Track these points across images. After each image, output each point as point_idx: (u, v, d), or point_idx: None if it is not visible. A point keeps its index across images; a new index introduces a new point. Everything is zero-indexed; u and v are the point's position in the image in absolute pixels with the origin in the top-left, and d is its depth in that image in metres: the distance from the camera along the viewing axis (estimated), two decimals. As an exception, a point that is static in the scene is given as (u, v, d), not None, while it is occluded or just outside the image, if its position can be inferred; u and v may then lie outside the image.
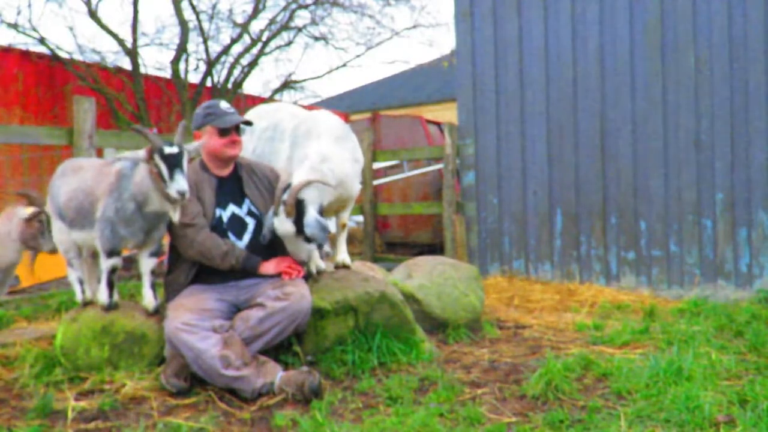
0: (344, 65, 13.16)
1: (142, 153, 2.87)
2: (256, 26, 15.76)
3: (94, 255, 3.27)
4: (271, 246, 3.26)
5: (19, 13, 12.64)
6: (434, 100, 17.03)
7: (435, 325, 3.94)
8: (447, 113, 13.56)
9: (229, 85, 11.17)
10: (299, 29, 11.94)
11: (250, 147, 3.66)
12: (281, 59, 18.13)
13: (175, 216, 2.94)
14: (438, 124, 9.57)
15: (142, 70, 10.32)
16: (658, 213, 5.50)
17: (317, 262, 3.50)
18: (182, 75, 10.56)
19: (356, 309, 3.32)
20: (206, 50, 10.95)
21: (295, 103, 11.78)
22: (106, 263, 3.07)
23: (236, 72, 11.30)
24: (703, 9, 5.32)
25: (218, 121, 3.19)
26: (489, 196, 6.13)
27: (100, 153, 4.85)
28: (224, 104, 3.29)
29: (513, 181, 6.03)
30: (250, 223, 3.27)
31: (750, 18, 5.18)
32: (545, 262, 5.90)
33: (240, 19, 11.49)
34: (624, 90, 5.61)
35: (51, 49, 9.51)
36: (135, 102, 9.99)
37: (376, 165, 7.18)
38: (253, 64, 11.49)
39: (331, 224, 3.61)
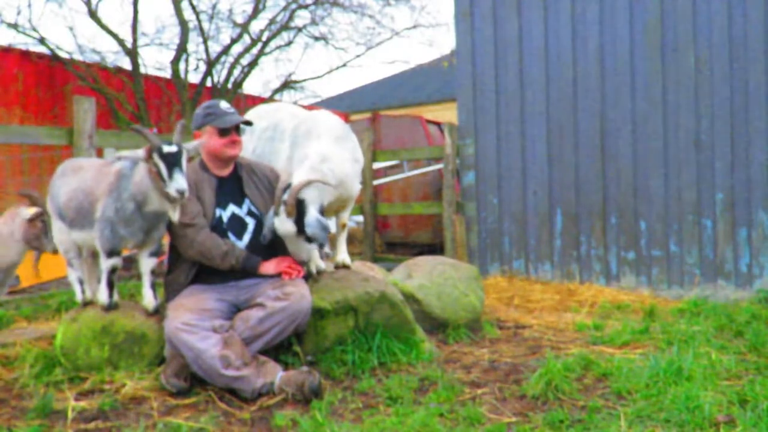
0: (344, 65, 13.17)
1: (141, 152, 2.87)
2: (256, 26, 15.78)
3: (94, 255, 3.27)
4: (271, 246, 3.26)
5: (19, 13, 12.67)
6: (434, 100, 17.03)
7: (435, 325, 3.94)
8: (447, 113, 13.56)
9: (229, 85, 11.17)
10: (299, 29, 11.94)
11: (250, 147, 3.66)
12: (281, 59, 18.17)
13: (174, 215, 2.94)
14: (438, 124, 9.57)
15: (142, 70, 10.33)
16: (658, 213, 5.50)
17: (317, 262, 3.50)
18: (182, 75, 10.56)
19: (356, 309, 3.32)
20: (206, 50, 10.96)
21: (295, 103, 11.78)
22: (105, 263, 3.07)
23: (236, 72, 11.31)
24: (703, 9, 5.32)
25: (218, 121, 3.19)
26: (489, 196, 6.13)
27: (100, 153, 4.85)
28: (224, 104, 3.29)
29: (513, 181, 6.03)
30: (250, 223, 3.27)
31: (750, 18, 5.18)
32: (545, 262, 5.91)
33: (240, 19, 11.51)
34: (624, 90, 5.61)
35: (51, 49, 9.51)
36: (135, 102, 10.00)
37: (376, 165, 7.17)
38: (253, 64, 11.50)
39: (331, 224, 3.61)
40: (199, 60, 11.39)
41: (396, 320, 3.43)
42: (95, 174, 3.11)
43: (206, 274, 3.19)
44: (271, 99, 11.81)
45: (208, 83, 10.99)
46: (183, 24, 10.44)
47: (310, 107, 8.18)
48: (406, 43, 46.20)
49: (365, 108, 16.56)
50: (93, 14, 10.02)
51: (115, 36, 10.15)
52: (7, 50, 8.87)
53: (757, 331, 3.86)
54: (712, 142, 5.33)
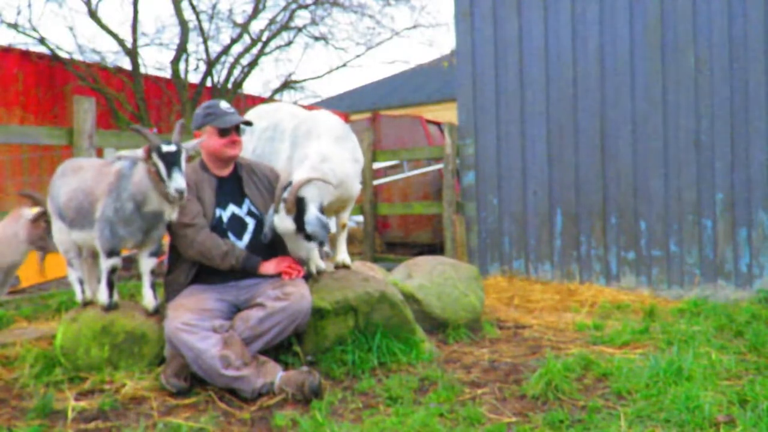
0: (344, 65, 13.15)
1: (140, 152, 2.87)
2: (256, 26, 15.78)
3: (94, 255, 3.27)
4: (271, 246, 3.26)
5: (19, 13, 12.64)
6: (434, 100, 17.02)
7: (435, 325, 3.94)
8: (447, 113, 13.56)
9: (229, 85, 11.17)
10: (299, 29, 11.94)
11: (250, 147, 3.66)
12: (281, 59, 18.15)
13: (172, 215, 2.94)
14: (438, 124, 9.57)
15: (142, 70, 10.32)
16: (658, 213, 5.50)
17: (317, 262, 3.50)
18: (182, 75, 10.56)
19: (356, 309, 3.32)
20: (206, 50, 10.95)
21: (295, 103, 11.78)
22: (105, 263, 3.07)
23: (236, 72, 11.31)
24: (703, 9, 5.32)
25: (218, 121, 3.19)
26: (489, 196, 6.13)
27: (100, 153, 4.85)
28: (224, 104, 3.29)
29: (513, 181, 6.03)
30: (250, 223, 3.27)
31: (750, 18, 5.18)
32: (545, 262, 5.91)
33: (240, 19, 11.50)
34: (624, 90, 5.61)
35: (51, 49, 9.51)
36: (135, 102, 10.00)
37: (376, 165, 7.17)
38: (253, 64, 11.49)
39: (331, 224, 3.61)
40: (199, 60, 11.39)
41: (396, 320, 3.43)
42: (95, 174, 3.11)
43: (206, 274, 3.19)
44: (271, 99, 11.81)
45: (208, 83, 10.99)
46: (183, 24, 10.44)
47: (310, 107, 8.18)
48: (406, 43, 46.24)
49: (365, 108, 16.55)
50: (93, 14, 10.02)
51: (115, 36, 10.15)
52: (7, 50, 8.86)
53: (757, 331, 3.86)
54: (712, 142, 5.33)
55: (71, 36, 23.85)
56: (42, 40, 9.52)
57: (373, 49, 13.43)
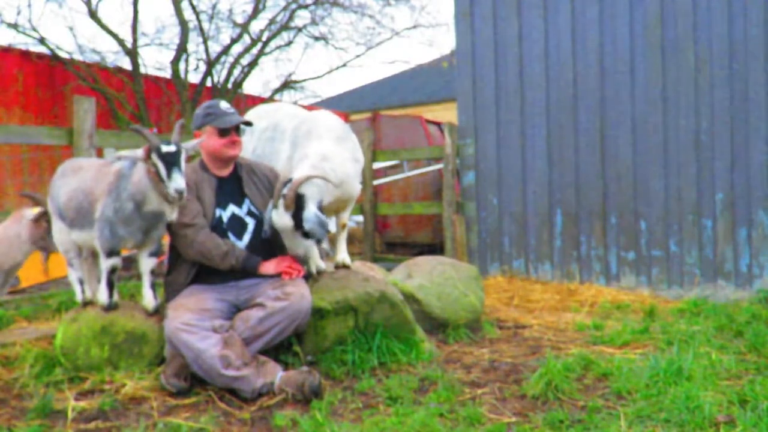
0: (344, 65, 13.15)
1: (140, 152, 2.87)
2: (256, 26, 15.75)
3: (94, 255, 3.27)
4: (271, 246, 3.26)
5: (19, 13, 12.63)
6: (434, 100, 17.03)
7: (435, 325, 3.94)
8: (447, 113, 13.56)
9: (229, 85, 11.17)
10: (299, 29, 11.94)
11: (250, 147, 3.66)
12: (281, 59, 18.13)
13: (172, 215, 2.94)
14: (438, 124, 9.57)
15: (142, 70, 10.32)
16: (658, 213, 5.50)
17: (317, 262, 3.50)
18: (182, 75, 10.56)
19: (356, 309, 3.32)
20: (206, 50, 10.95)
21: (295, 103, 11.78)
22: (105, 263, 3.07)
23: (236, 72, 11.31)
24: (703, 9, 5.32)
25: (218, 121, 3.19)
26: (489, 196, 6.13)
27: (100, 153, 4.85)
28: (224, 104, 3.29)
29: (513, 181, 6.03)
30: (250, 223, 3.27)
31: (750, 18, 5.18)
32: (545, 262, 5.91)
33: (240, 19, 11.50)
34: (624, 90, 5.61)
35: (51, 49, 9.51)
36: (135, 102, 10.00)
37: (376, 165, 7.17)
38: (253, 64, 11.49)
39: (331, 224, 3.61)
40: (199, 60, 11.39)
41: (396, 320, 3.43)
42: (95, 174, 3.11)
43: (206, 274, 3.19)
44: (271, 99, 11.81)
45: (208, 83, 10.99)
46: (183, 24, 10.44)
47: (310, 107, 8.18)
48: (406, 43, 46.22)
49: (365, 108, 16.55)
50: (93, 14, 10.02)
51: (115, 36, 10.15)
52: (7, 50, 8.86)
53: (757, 331, 3.86)
54: (712, 142, 5.33)
55: (71, 36, 23.84)
56: (42, 40, 9.52)
57: (373, 49, 13.44)
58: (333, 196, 3.31)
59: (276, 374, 2.92)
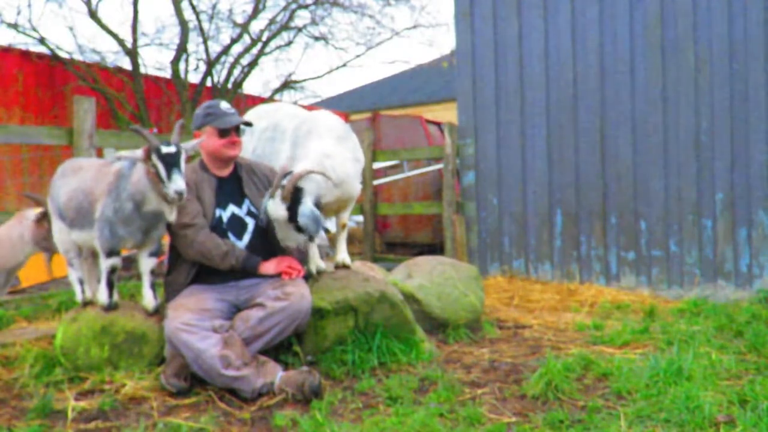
0: (344, 65, 13.14)
1: (139, 152, 2.87)
2: (256, 26, 15.77)
3: (94, 255, 3.27)
4: (271, 246, 3.26)
5: (19, 13, 12.63)
6: (434, 100, 17.03)
7: (435, 325, 3.94)
8: (447, 113, 13.56)
9: (229, 85, 11.17)
10: (299, 29, 11.94)
11: (250, 147, 3.65)
12: (281, 59, 18.13)
13: (171, 216, 2.94)
14: (438, 124, 9.57)
15: (142, 70, 10.32)
16: (658, 213, 5.50)
17: (317, 262, 3.50)
18: (182, 75, 10.56)
19: (356, 309, 3.32)
20: (206, 50, 10.95)
21: (295, 103, 11.78)
22: (105, 263, 3.07)
23: (236, 72, 11.31)
24: (703, 8, 5.32)
25: (218, 121, 3.19)
26: (489, 196, 6.13)
27: (100, 153, 4.85)
28: (224, 105, 3.29)
29: (513, 181, 6.03)
30: (250, 223, 3.27)
31: (750, 18, 5.18)
32: (545, 262, 5.91)
33: (240, 19, 11.50)
34: (624, 89, 5.61)
35: (51, 49, 9.51)
36: (135, 102, 10.00)
37: (376, 165, 7.17)
38: (253, 64, 11.49)
39: (331, 224, 3.61)
40: (199, 60, 11.39)
41: (396, 320, 3.43)
42: (95, 174, 3.12)
43: (206, 274, 3.19)
44: (271, 99, 11.81)
45: (208, 83, 10.99)
46: (183, 24, 10.44)
47: (310, 107, 8.18)
48: (406, 43, 46.21)
49: (365, 108, 16.55)
50: (93, 14, 10.02)
51: (115, 36, 10.14)
52: (7, 50, 8.86)
53: (757, 331, 3.86)
54: (712, 142, 5.33)
55: (71, 36, 23.84)
56: (42, 40, 9.52)
57: (373, 49, 13.43)
58: (333, 195, 3.31)
59: (276, 374, 2.92)
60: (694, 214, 5.38)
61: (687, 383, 2.86)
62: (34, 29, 9.59)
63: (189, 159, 3.03)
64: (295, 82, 12.29)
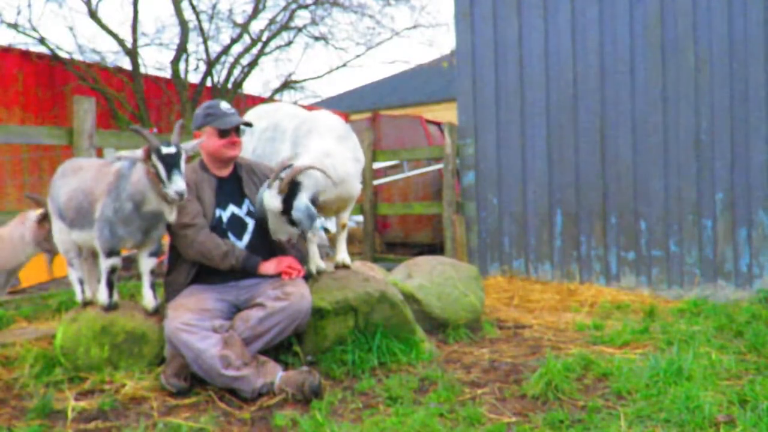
0: (344, 65, 13.16)
1: (139, 153, 2.87)
2: (256, 26, 15.76)
3: (94, 255, 3.27)
4: (271, 246, 3.26)
5: (19, 13, 12.65)
6: (434, 100, 17.03)
7: (435, 325, 3.94)
8: (447, 113, 13.56)
9: (229, 85, 11.17)
10: (299, 29, 11.94)
11: (250, 147, 3.65)
12: (281, 59, 18.15)
13: (171, 216, 2.94)
14: (438, 124, 9.57)
15: (142, 70, 10.33)
16: (658, 213, 5.50)
17: (317, 262, 3.50)
18: (182, 75, 10.56)
19: (356, 309, 3.32)
20: (206, 50, 10.96)
21: (295, 103, 11.78)
22: (105, 263, 3.07)
23: (236, 72, 11.31)
24: (703, 8, 5.32)
25: (218, 122, 3.19)
26: (489, 196, 6.13)
27: (100, 153, 4.85)
28: (224, 105, 3.29)
29: (513, 181, 6.03)
30: (250, 223, 3.27)
31: (750, 18, 5.18)
32: (545, 262, 5.91)
33: (240, 19, 11.51)
34: (624, 89, 5.61)
35: (51, 49, 9.51)
36: (135, 102, 10.00)
37: (376, 165, 7.17)
38: (253, 64, 11.50)
39: (331, 224, 3.61)
40: (199, 60, 11.40)
41: (396, 320, 3.43)
42: (95, 174, 3.12)
43: (206, 274, 3.19)
44: (271, 99, 11.81)
45: (208, 83, 10.99)
46: (183, 24, 10.45)
47: (310, 107, 8.18)
48: (406, 43, 46.21)
49: (365, 108, 16.56)
50: (93, 14, 10.02)
51: (115, 36, 10.15)
52: (7, 50, 8.86)
53: (757, 331, 3.86)
54: (712, 142, 5.33)
55: (71, 36, 23.85)
56: (42, 40, 9.52)
57: (373, 49, 13.44)
58: (333, 194, 3.30)
59: (276, 374, 2.92)
60: (694, 214, 5.38)
61: (687, 383, 2.86)
62: (34, 29, 9.60)
63: (189, 159, 3.03)
64: (295, 82, 12.29)
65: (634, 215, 5.59)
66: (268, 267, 3.16)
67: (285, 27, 11.62)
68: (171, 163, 2.80)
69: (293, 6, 11.43)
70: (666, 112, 5.47)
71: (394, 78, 20.44)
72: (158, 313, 3.17)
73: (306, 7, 11.66)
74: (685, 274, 5.42)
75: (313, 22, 12.03)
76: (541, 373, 2.96)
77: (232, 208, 3.26)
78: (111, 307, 3.14)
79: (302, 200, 3.03)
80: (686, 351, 3.37)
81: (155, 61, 29.04)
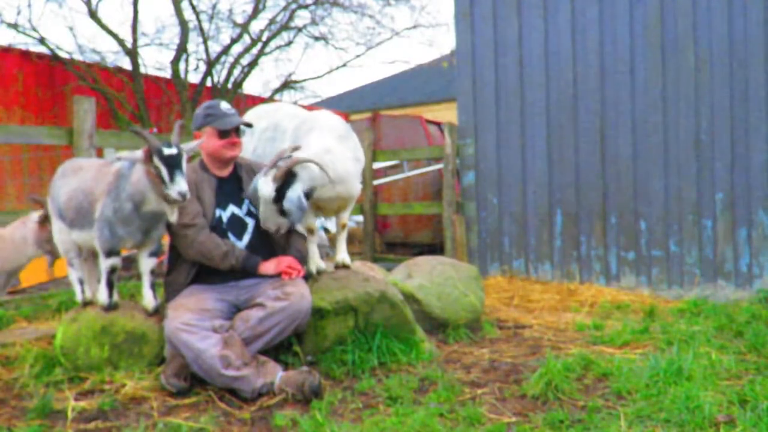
0: (344, 65, 13.17)
1: (139, 154, 2.87)
2: (256, 26, 15.77)
3: (95, 255, 3.28)
4: (271, 246, 3.26)
5: (19, 13, 12.67)
6: (434, 100, 17.03)
7: (435, 325, 3.94)
8: (447, 113, 13.56)
9: (229, 85, 11.18)
10: (299, 29, 11.95)
11: (250, 147, 3.65)
12: (281, 59, 18.17)
13: (173, 216, 2.94)
14: (438, 124, 9.57)
15: (142, 70, 10.33)
16: (658, 213, 5.50)
17: (317, 262, 3.50)
18: (182, 75, 10.57)
19: (356, 309, 3.32)
20: (206, 50, 10.96)
21: (295, 103, 11.78)
22: (105, 263, 3.07)
23: (236, 72, 11.32)
24: (703, 8, 5.32)
25: (218, 122, 3.19)
26: (489, 196, 6.13)
27: (100, 153, 4.85)
28: (225, 105, 3.29)
29: (513, 181, 6.03)
30: (250, 223, 3.27)
31: (750, 18, 5.18)
32: (545, 262, 5.90)
33: (240, 19, 11.52)
34: (624, 90, 5.61)
35: (51, 49, 9.51)
36: (135, 102, 10.00)
37: (376, 165, 7.17)
38: (253, 64, 11.50)
39: (331, 224, 3.61)
40: (199, 60, 11.41)
41: (396, 320, 3.43)
42: (95, 174, 3.12)
43: (206, 274, 3.19)
44: (271, 99, 11.82)
45: (208, 83, 11.00)
46: (183, 24, 10.45)
47: (310, 107, 8.18)
48: (406, 43, 46.24)
49: (365, 108, 16.56)
50: (93, 14, 10.03)
51: (115, 36, 10.15)
52: (7, 50, 8.87)
53: (757, 331, 3.86)
54: (712, 142, 5.33)
55: (71, 36, 23.86)
56: (42, 40, 9.53)
57: (373, 49, 13.45)
58: (334, 193, 3.31)
59: (276, 374, 2.92)
60: (694, 214, 5.38)
61: (687, 383, 2.86)
62: (34, 29, 9.61)
63: (189, 159, 3.03)
64: (295, 82, 12.30)
65: (634, 215, 5.59)
66: (268, 267, 3.17)
67: (285, 27, 11.63)
68: (173, 164, 2.80)
69: (293, 6, 11.45)
70: (666, 112, 5.47)
71: (394, 78, 20.45)
72: (158, 313, 3.17)
73: (306, 7, 11.67)
74: (685, 274, 5.42)
75: (313, 22, 12.04)
76: (541, 373, 2.96)
77: (232, 208, 3.26)
78: (111, 307, 3.14)
79: (296, 191, 3.03)
80: (686, 351, 3.37)
81: (155, 61, 29.06)
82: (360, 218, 7.11)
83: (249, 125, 3.40)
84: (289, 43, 12.09)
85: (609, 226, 5.69)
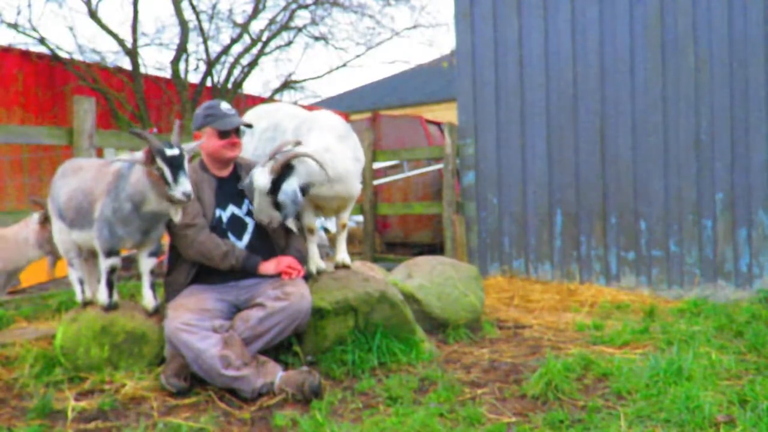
0: (344, 65, 13.16)
1: (140, 155, 2.86)
2: (256, 26, 15.78)
3: (94, 255, 3.28)
4: (271, 246, 3.26)
5: (19, 13, 12.66)
6: (434, 100, 17.03)
7: (435, 325, 3.94)
8: (447, 113, 13.57)
9: (229, 85, 11.18)
10: (299, 29, 11.95)
11: (250, 147, 3.65)
12: (281, 59, 18.16)
13: (177, 216, 2.94)
14: (438, 124, 9.57)
15: (142, 70, 10.33)
16: (658, 213, 5.50)
17: (317, 262, 3.50)
18: (182, 75, 10.57)
19: (356, 309, 3.32)
20: (206, 50, 10.96)
21: (295, 103, 11.78)
22: (104, 263, 3.08)
23: (236, 72, 11.32)
24: (703, 8, 5.32)
25: (218, 122, 3.19)
26: (489, 196, 6.13)
27: (100, 153, 4.86)
28: (225, 105, 3.29)
29: (513, 181, 6.03)
30: (250, 223, 3.27)
31: (750, 17, 5.18)
32: (545, 262, 5.90)
33: (240, 19, 11.52)
34: (624, 90, 5.61)
35: (51, 49, 9.51)
36: (135, 102, 10.00)
37: (376, 165, 7.17)
38: (253, 64, 11.50)
39: (331, 224, 3.61)
40: (199, 60, 11.41)
41: (396, 320, 3.43)
42: (95, 174, 3.12)
43: (206, 274, 3.19)
44: (271, 99, 11.82)
45: (208, 83, 11.00)
46: (183, 24, 10.45)
47: (310, 107, 8.19)
48: (406, 43, 46.27)
49: (365, 108, 16.56)
50: (93, 14, 10.03)
51: (115, 36, 10.15)
52: (7, 50, 8.87)
53: (757, 331, 3.86)
54: (712, 142, 5.33)
55: (71, 36, 23.86)
56: (42, 40, 9.53)
57: (373, 49, 13.45)
58: (333, 192, 3.30)
59: (276, 374, 2.92)
60: (694, 214, 5.38)
61: (687, 383, 2.86)
62: (34, 29, 9.61)
63: (189, 160, 3.03)
64: (295, 82, 12.30)
65: (634, 215, 5.59)
66: (268, 267, 3.17)
67: (285, 27, 11.63)
68: (176, 164, 2.79)
69: (293, 6, 11.45)
70: (666, 112, 5.47)
71: (394, 78, 20.45)
72: (158, 313, 3.17)
73: (306, 7, 11.67)
74: (685, 274, 5.42)
75: (313, 22, 12.04)
76: (541, 373, 2.96)
77: (232, 209, 3.26)
78: (111, 307, 3.14)
79: (291, 185, 3.03)
80: (686, 351, 3.37)
81: (155, 61, 29.07)
82: (360, 218, 7.11)
83: (249, 125, 3.40)
84: (289, 43, 12.10)
85: (609, 226, 5.69)
